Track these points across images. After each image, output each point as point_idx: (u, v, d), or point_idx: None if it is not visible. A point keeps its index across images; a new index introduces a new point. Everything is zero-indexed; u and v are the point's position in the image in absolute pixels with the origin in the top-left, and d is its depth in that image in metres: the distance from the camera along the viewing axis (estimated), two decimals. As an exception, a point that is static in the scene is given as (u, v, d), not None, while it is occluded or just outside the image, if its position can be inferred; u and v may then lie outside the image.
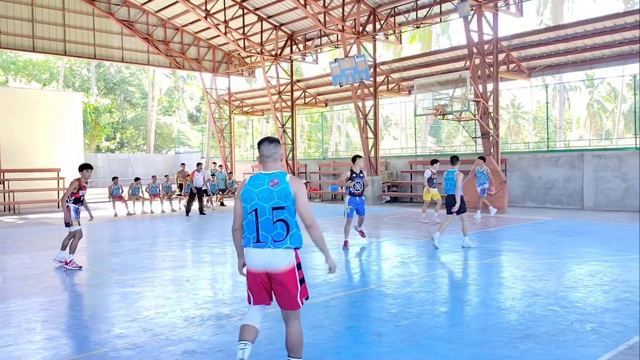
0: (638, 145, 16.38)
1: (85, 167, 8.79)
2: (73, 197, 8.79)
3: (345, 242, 10.20)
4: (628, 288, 6.51)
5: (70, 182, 9.01)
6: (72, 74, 47.91)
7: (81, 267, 8.69)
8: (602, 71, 21.43)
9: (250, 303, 3.89)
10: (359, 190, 10.13)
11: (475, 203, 14.99)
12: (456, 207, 9.50)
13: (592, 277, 7.21)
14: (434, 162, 14.08)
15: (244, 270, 3.96)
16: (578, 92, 43.24)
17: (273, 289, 3.80)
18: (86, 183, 8.95)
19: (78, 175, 8.85)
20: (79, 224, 8.85)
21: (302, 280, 3.80)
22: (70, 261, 8.69)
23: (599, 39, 16.64)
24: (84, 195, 8.95)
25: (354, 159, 10.17)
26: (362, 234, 10.80)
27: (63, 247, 8.84)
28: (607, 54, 17.34)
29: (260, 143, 3.83)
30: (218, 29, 23.75)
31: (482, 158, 15.33)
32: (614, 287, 6.61)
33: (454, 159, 10.15)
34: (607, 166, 16.27)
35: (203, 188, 19.54)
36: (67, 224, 8.79)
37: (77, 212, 8.86)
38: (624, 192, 15.90)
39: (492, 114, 17.05)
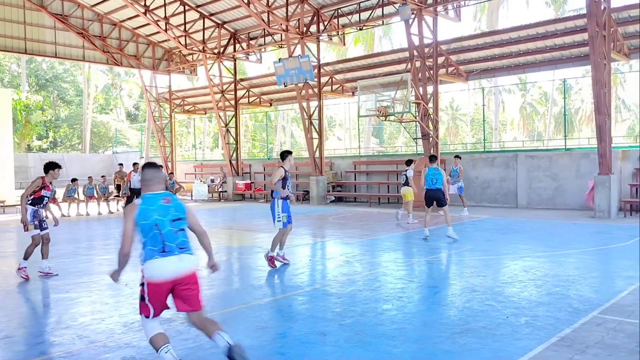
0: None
1: (55, 167, 7.94)
2: (32, 197, 7.89)
3: (283, 258, 8.45)
4: (559, 282, 6.85)
5: (32, 180, 8.11)
6: (0, 69, 45.35)
7: (28, 278, 7.83)
8: (535, 75, 22.54)
9: (149, 317, 4.02)
10: (291, 192, 8.46)
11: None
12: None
13: (525, 272, 7.55)
14: (410, 162, 14.43)
15: (118, 278, 4.26)
16: (512, 95, 45.16)
17: (179, 295, 3.98)
18: (50, 184, 8.06)
19: (40, 175, 8.01)
20: (37, 228, 7.88)
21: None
22: (22, 268, 7.88)
23: (532, 44, 17.45)
24: (47, 197, 8.07)
25: (284, 154, 8.45)
26: (284, 260, 8.51)
27: (42, 256, 7.94)
28: (539, 59, 18.19)
29: (144, 168, 4.23)
30: (158, 25, 23.13)
31: (458, 157, 16.14)
32: (546, 281, 6.95)
33: (433, 157, 11.30)
34: (539, 166, 17.08)
35: None
36: (26, 228, 7.88)
37: (35, 214, 7.91)
38: (554, 191, 16.74)
39: (432, 116, 17.53)
